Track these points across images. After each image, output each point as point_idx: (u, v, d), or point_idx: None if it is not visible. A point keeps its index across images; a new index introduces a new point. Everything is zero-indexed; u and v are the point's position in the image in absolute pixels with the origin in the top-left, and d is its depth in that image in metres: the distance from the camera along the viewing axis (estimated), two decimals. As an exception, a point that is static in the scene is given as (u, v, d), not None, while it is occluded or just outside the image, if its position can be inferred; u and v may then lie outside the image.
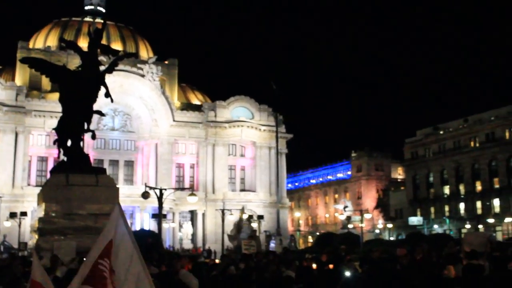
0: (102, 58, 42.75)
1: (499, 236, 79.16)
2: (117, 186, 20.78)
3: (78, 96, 18.63)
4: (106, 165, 78.85)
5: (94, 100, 19.28)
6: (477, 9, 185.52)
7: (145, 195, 34.17)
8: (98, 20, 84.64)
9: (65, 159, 19.47)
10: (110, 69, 20.79)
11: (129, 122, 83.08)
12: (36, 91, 79.46)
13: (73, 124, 18.84)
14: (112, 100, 19.99)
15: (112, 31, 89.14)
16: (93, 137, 19.60)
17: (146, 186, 34.68)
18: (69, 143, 19.16)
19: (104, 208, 19.13)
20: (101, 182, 19.10)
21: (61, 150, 19.30)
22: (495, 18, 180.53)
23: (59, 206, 18.38)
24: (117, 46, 77.02)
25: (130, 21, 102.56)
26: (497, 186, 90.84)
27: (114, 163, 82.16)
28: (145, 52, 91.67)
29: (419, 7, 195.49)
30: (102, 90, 19.95)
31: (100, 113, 20.13)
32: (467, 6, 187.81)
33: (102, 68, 20.88)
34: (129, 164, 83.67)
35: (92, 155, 76.89)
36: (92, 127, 20.29)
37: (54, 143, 19.82)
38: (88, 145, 73.97)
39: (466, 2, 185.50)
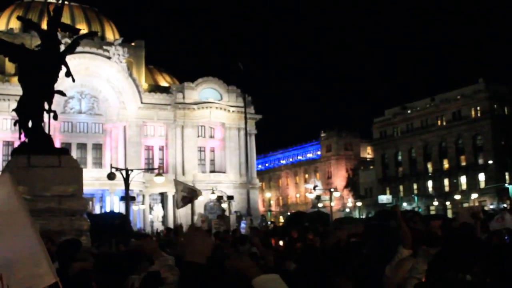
0: (67, 40, 42.07)
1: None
2: (80, 167, 20.34)
3: (38, 76, 18.03)
4: (74, 149, 78.01)
5: (55, 80, 18.73)
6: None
7: (111, 176, 33.77)
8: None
9: (27, 140, 19.00)
10: (71, 48, 20.25)
11: (96, 105, 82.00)
12: (0, 74, 77.85)
13: (33, 105, 18.29)
14: (73, 80, 19.43)
15: (77, 12, 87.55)
16: (55, 117, 19.03)
17: (111, 167, 34.27)
18: (30, 124, 18.64)
19: (68, 190, 18.74)
20: (63, 163, 18.58)
21: (22, 132, 18.81)
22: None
23: (21, 188, 17.95)
24: (82, 27, 75.55)
25: (95, 2, 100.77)
26: (463, 163, 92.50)
27: (82, 146, 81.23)
28: (111, 33, 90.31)
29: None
30: (64, 71, 19.51)
31: (61, 93, 19.59)
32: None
33: (63, 48, 20.37)
34: (97, 147, 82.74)
35: (60, 138, 76.09)
36: (58, 110, 19.85)
37: (15, 124, 19.28)
38: (55, 128, 72.86)
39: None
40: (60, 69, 18.97)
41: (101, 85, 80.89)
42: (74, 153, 76.03)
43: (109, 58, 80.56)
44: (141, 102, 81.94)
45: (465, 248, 5.47)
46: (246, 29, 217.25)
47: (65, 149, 21.64)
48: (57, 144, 61.49)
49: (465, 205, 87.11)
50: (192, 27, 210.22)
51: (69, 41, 35.93)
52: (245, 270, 4.41)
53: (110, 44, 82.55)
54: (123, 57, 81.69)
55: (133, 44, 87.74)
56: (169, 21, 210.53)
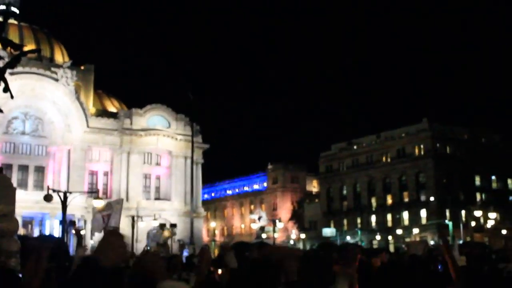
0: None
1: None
2: (14, 186, 19.76)
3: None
4: (15, 170, 76.14)
5: (-8, 96, 18.37)
6: (393, 28, 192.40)
7: (48, 198, 32.91)
8: (12, 21, 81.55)
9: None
10: (11, 64, 19.82)
11: (41, 126, 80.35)
12: None
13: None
14: (12, 96, 18.87)
15: (26, 33, 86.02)
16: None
17: (49, 188, 33.47)
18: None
19: (1, 209, 18.24)
20: (-4, 181, 18.11)
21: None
22: (406, 37, 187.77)
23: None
24: (31, 48, 74.49)
25: (46, 24, 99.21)
26: (406, 199, 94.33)
27: (24, 168, 79.18)
28: (60, 56, 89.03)
29: (336, 21, 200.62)
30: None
31: (-2, 109, 19.19)
32: (382, 25, 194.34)
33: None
34: (40, 169, 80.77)
35: (0, 159, 74.17)
36: (1, 130, 19.36)
37: None
38: (-4, 149, 71.21)
39: (380, 21, 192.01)
40: (-1, 85, 18.55)
41: (46, 107, 79.47)
42: (15, 175, 74.30)
43: (56, 80, 79.38)
44: (87, 126, 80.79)
45: (404, 278, 5.56)
46: (197, 58, 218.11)
47: (-1, 167, 21.06)
48: (-3, 165, 60.04)
49: (407, 239, 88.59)
50: (143, 54, 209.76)
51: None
52: (153, 272, 4.24)
53: (59, 66, 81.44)
54: (71, 80, 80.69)
55: (82, 67, 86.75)
56: (120, 47, 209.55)
